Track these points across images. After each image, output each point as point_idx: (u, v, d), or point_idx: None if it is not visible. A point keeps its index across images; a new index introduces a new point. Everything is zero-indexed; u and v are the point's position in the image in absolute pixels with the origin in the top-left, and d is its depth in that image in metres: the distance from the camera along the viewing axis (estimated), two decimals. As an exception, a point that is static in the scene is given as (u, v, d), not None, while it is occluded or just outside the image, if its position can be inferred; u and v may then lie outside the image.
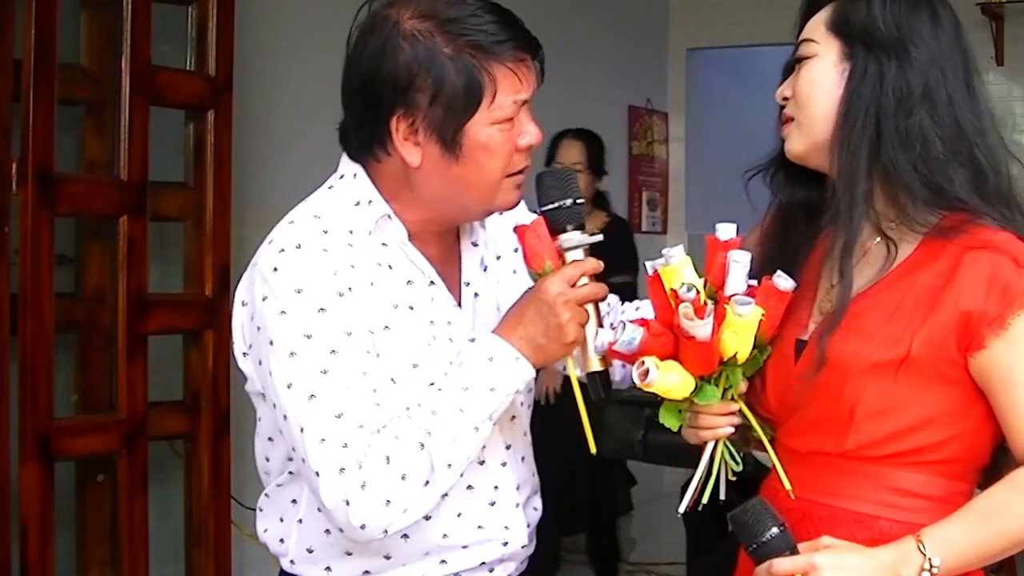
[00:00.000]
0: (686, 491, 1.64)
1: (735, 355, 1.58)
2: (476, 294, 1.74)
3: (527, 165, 1.66)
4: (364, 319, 1.58)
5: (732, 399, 1.63)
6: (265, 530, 1.74)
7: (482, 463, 1.68)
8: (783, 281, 1.59)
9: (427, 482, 1.53)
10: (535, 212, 1.67)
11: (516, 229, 1.65)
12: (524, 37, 1.63)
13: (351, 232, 1.63)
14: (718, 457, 1.64)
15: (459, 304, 1.71)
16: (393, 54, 1.59)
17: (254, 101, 4.13)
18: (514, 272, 1.78)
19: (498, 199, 1.65)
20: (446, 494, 1.58)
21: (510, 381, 1.57)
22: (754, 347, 1.60)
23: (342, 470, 1.50)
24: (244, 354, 1.66)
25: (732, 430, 1.64)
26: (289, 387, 1.54)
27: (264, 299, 1.57)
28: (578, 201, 1.63)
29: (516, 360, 1.57)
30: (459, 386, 1.56)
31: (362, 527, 1.51)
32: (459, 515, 1.67)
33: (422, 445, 1.53)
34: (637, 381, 1.53)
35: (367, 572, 1.65)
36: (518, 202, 1.70)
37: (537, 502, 1.82)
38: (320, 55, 4.70)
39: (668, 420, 1.60)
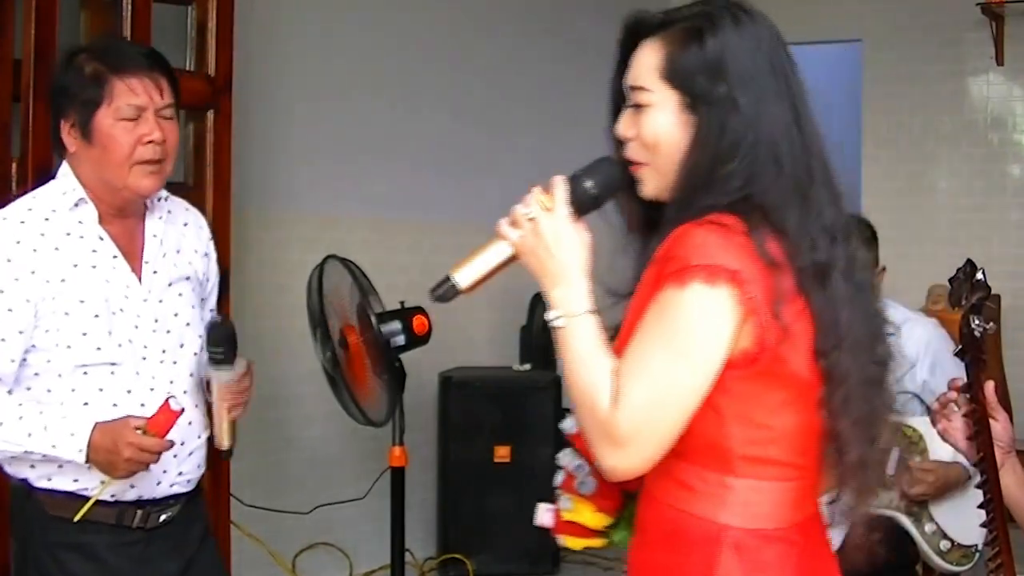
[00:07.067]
0: None
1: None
2: (155, 271, 2.40)
3: (157, 158, 2.30)
4: (34, 276, 2.24)
5: None
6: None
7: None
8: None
9: None
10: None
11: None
12: (145, 63, 2.32)
13: (53, 211, 2.31)
14: None
15: (140, 277, 2.37)
16: (61, 79, 2.34)
17: (254, 101, 4.14)
18: (188, 263, 2.47)
19: (131, 180, 2.30)
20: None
21: (67, 454, 2.22)
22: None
23: None
24: None
25: None
26: None
27: None
28: (232, 347, 2.36)
29: (80, 452, 2.22)
30: (42, 425, 2.22)
31: None
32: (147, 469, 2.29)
33: None
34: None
35: (102, 481, 2.27)
36: (154, 188, 2.34)
37: (189, 465, 2.43)
38: (319, 55, 4.71)
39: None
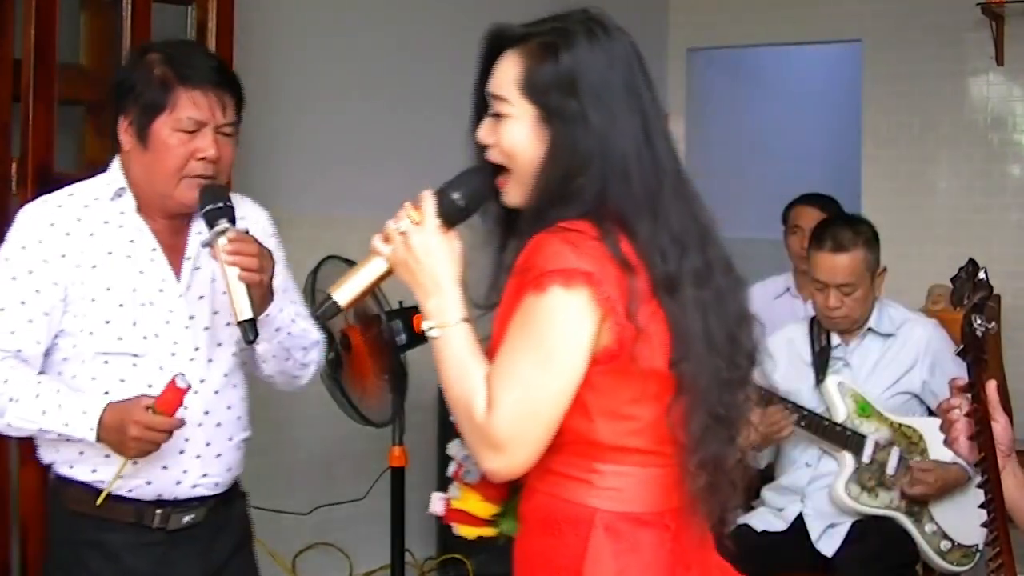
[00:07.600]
0: None
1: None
2: (196, 268, 2.36)
3: (208, 175, 2.26)
4: (64, 260, 2.24)
5: None
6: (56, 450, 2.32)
7: (186, 440, 2.30)
8: None
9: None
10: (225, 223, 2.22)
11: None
12: (214, 78, 2.27)
13: (96, 199, 2.31)
14: None
15: (178, 274, 2.33)
16: (128, 75, 2.31)
17: (254, 101, 4.13)
18: None
19: (178, 192, 2.27)
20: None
21: (79, 432, 2.20)
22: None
23: None
24: None
25: None
26: None
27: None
28: (227, 204, 2.23)
29: (91, 430, 2.18)
30: (57, 403, 2.20)
31: None
32: (165, 467, 2.30)
33: (10, 400, 2.20)
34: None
35: (120, 477, 2.24)
36: (196, 201, 2.26)
37: (215, 468, 2.37)
38: (320, 55, 4.71)
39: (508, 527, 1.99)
